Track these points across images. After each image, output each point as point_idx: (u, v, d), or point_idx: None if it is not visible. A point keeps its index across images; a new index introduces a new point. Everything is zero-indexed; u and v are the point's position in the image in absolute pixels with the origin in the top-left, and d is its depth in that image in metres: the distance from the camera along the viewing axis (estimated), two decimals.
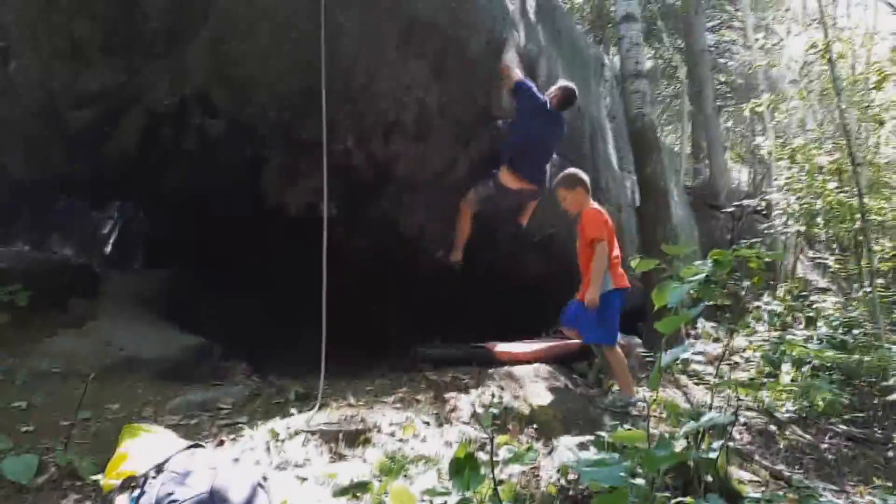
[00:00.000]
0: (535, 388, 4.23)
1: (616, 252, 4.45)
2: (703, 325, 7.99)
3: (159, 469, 2.30)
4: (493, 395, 3.93)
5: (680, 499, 2.31)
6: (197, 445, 2.48)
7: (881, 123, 9.76)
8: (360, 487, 2.37)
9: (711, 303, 3.42)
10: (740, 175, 18.81)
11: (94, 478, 2.51)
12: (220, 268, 5.34)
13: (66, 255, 5.59)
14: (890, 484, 4.01)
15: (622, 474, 1.93)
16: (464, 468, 1.96)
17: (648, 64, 16.74)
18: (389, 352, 4.84)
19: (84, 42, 4.04)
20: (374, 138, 4.98)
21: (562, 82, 5.27)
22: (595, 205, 4.54)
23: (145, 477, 2.29)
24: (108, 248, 5.74)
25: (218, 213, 5.13)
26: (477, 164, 5.40)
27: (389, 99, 4.83)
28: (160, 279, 5.44)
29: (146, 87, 4.29)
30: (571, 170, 4.65)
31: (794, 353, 5.21)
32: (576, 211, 4.52)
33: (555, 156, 5.51)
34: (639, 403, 4.20)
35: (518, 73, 5.24)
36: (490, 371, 4.47)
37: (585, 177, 4.57)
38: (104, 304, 4.80)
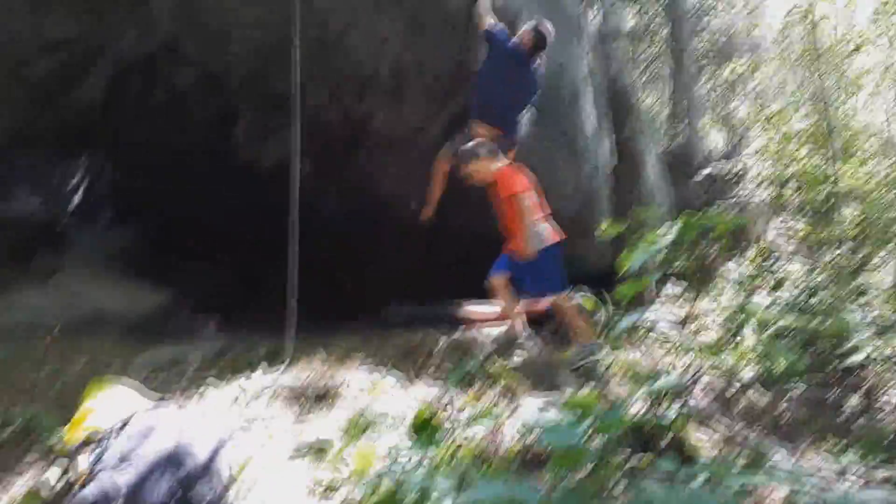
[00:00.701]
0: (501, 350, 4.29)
1: (544, 206, 4.50)
2: (672, 288, 8.10)
3: (124, 425, 2.31)
4: (460, 357, 3.98)
5: (635, 458, 2.38)
6: (162, 401, 2.49)
7: (858, 88, 9.83)
8: (323, 445, 2.41)
9: (677, 267, 3.48)
10: (718, 139, 18.88)
11: (59, 433, 2.52)
12: (191, 224, 5.27)
13: (30, 209, 5.46)
14: (842, 444, 4.16)
15: (579, 436, 1.97)
16: (424, 428, 2.00)
17: (629, 23, 16.57)
18: (361, 311, 4.85)
19: None
20: (349, 94, 4.91)
21: (533, 23, 5.07)
22: (504, 163, 4.57)
23: (109, 432, 2.30)
24: (75, 203, 5.62)
25: (188, 168, 5.05)
26: (454, 122, 5.35)
27: (364, 53, 4.75)
28: (128, 235, 5.36)
29: (113, 35, 4.17)
30: (462, 147, 4.64)
31: (754, 320, 5.33)
32: (490, 180, 4.54)
33: (532, 108, 5.42)
34: (598, 350, 4.21)
35: (490, 20, 5.07)
36: (460, 331, 4.51)
37: (481, 145, 4.57)
38: (70, 259, 4.73)
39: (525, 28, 5.07)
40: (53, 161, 5.74)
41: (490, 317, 4.84)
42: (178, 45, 4.23)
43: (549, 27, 5.08)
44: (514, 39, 5.01)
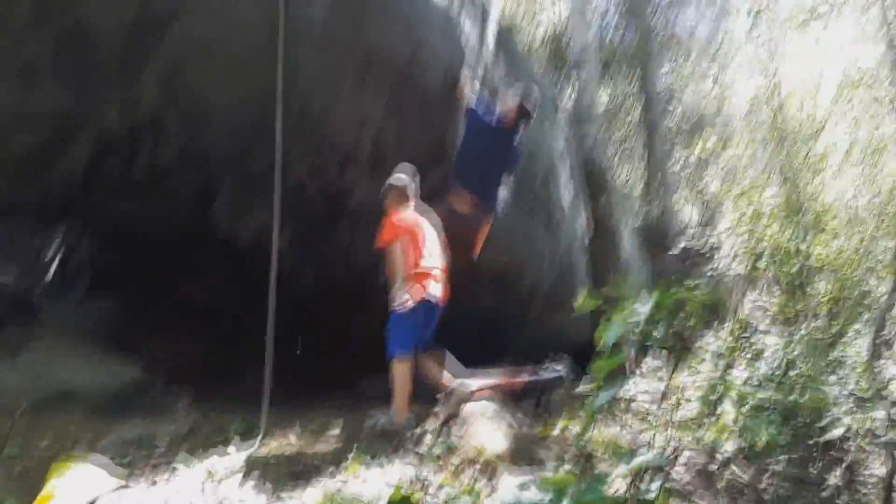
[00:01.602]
0: (480, 425, 4.23)
1: (425, 262, 4.18)
2: (649, 364, 8.10)
3: None
4: (438, 434, 3.91)
5: None
6: (126, 486, 2.41)
7: (825, 164, 10.21)
8: None
9: (651, 343, 3.50)
10: (691, 216, 19.33)
11: None
12: (168, 298, 5.23)
13: (3, 281, 5.39)
14: None
15: None
16: None
17: (602, 105, 17.19)
18: (335, 385, 4.79)
19: (34, 65, 3.97)
20: (329, 170, 4.99)
21: (518, 98, 5.13)
22: (405, 213, 4.33)
23: None
24: (50, 275, 5.56)
25: (166, 242, 5.04)
26: (431, 196, 5.43)
27: (345, 130, 4.86)
28: (103, 308, 5.29)
29: (96, 112, 4.23)
30: (388, 180, 4.50)
31: (733, 394, 5.33)
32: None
33: (509, 179, 5.51)
34: (405, 427, 3.88)
35: (470, 97, 5.26)
36: (436, 409, 4.45)
37: (400, 181, 4.39)
38: (41, 334, 4.65)
39: (509, 101, 5.20)
40: (31, 232, 5.72)
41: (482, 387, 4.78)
42: (160, 122, 4.29)
43: (535, 98, 5.22)
44: (497, 111, 5.16)
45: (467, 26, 6.03)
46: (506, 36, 7.44)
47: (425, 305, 4.12)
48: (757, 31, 8.24)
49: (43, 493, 2.42)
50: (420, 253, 4.18)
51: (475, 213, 5.21)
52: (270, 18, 4.09)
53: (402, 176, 4.44)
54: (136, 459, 3.19)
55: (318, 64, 4.45)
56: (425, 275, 4.17)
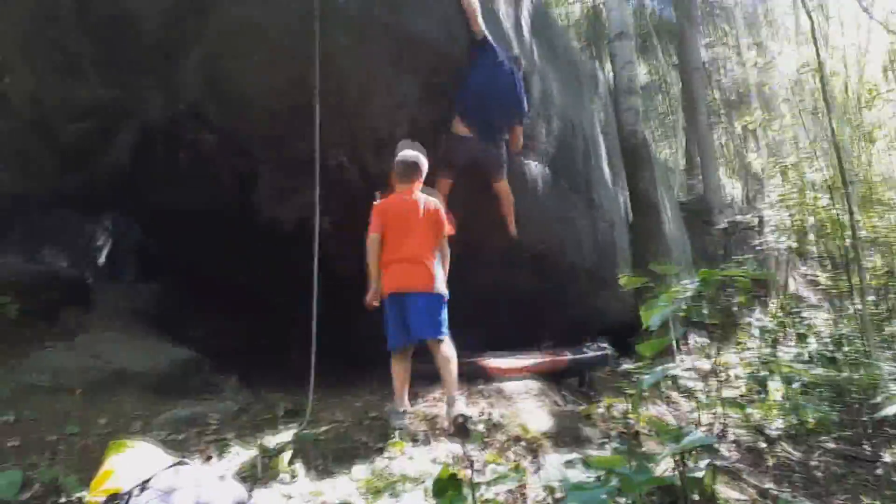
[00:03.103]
0: (524, 404, 4.24)
1: (402, 250, 3.97)
2: (696, 340, 8.00)
3: (144, 486, 2.30)
4: (482, 412, 3.93)
5: None
6: (182, 462, 2.49)
7: (872, 141, 9.85)
8: None
9: (699, 319, 3.45)
10: (734, 190, 18.90)
11: (79, 494, 2.51)
12: (213, 282, 5.34)
13: (58, 267, 5.59)
14: (878, 503, 4.02)
15: (604, 497, 1.94)
16: (446, 489, 1.97)
17: (643, 79, 16.86)
18: (380, 367, 4.84)
19: (78, 56, 4.07)
20: (367, 153, 5.00)
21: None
22: (400, 193, 4.13)
23: (129, 494, 2.29)
24: (101, 260, 5.73)
25: (210, 227, 5.14)
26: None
27: (382, 116, 4.85)
28: (152, 292, 5.44)
29: (139, 101, 4.32)
30: (402, 150, 4.27)
31: (782, 371, 5.23)
32: None
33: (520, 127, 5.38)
34: (399, 418, 3.71)
35: (483, 26, 5.07)
36: (480, 387, 4.47)
37: (405, 158, 4.17)
38: (95, 317, 4.80)
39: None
40: (81, 221, 5.90)
41: (510, 372, 4.79)
42: (201, 111, 4.36)
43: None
44: (502, 55, 5.11)
45: (503, 4, 5.96)
46: (543, 12, 7.33)
47: (391, 298, 3.98)
48: None
49: (103, 469, 2.51)
50: (392, 241, 4.02)
51: (472, 140, 5.02)
52: (308, 3, 4.10)
53: (412, 153, 4.22)
54: (187, 439, 3.29)
55: (356, 48, 4.44)
56: (395, 261, 4.00)
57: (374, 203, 4.13)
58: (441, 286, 4.00)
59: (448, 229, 4.13)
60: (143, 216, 5.38)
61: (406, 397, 3.88)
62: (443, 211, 4.15)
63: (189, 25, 4.02)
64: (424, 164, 4.23)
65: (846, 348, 6.75)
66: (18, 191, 4.80)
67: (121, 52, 4.02)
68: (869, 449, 5.17)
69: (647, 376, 2.58)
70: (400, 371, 3.92)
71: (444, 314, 4.00)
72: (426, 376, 4.06)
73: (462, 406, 3.78)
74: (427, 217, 4.06)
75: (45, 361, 3.96)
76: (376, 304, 3.98)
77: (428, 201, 4.12)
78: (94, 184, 4.73)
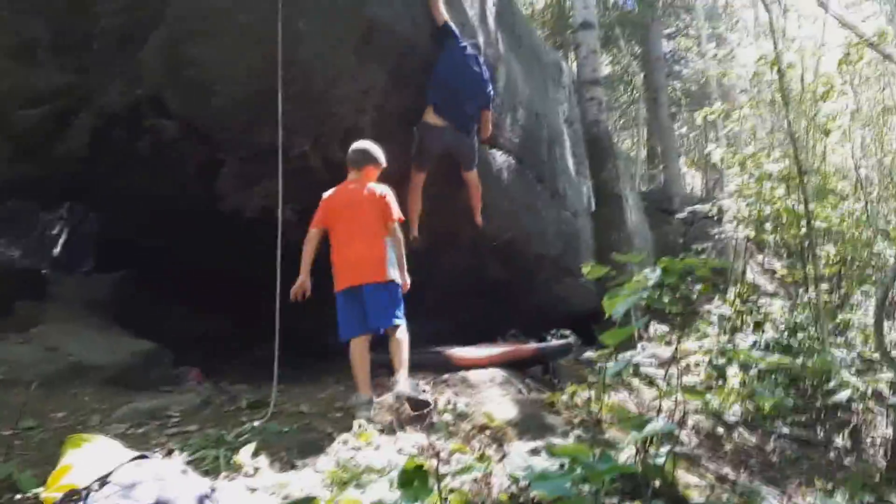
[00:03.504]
0: (489, 393, 4.27)
1: (351, 243, 3.97)
2: (656, 328, 8.15)
3: (103, 481, 2.25)
4: (447, 402, 3.95)
5: None
6: (143, 456, 2.44)
7: (827, 133, 10.08)
8: (308, 501, 2.36)
9: (660, 309, 3.51)
10: (694, 181, 19.25)
11: (35, 491, 2.45)
12: (174, 272, 5.24)
13: (12, 257, 5.42)
14: (830, 485, 4.16)
15: (568, 485, 1.96)
16: (412, 480, 1.97)
17: (606, 70, 17.01)
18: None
19: (34, 41, 3.94)
20: (332, 142, 4.95)
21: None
22: (345, 183, 4.16)
23: (88, 490, 2.24)
24: (58, 251, 5.58)
25: (171, 216, 5.04)
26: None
27: (348, 104, 4.80)
28: (111, 283, 5.32)
29: (97, 87, 4.20)
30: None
31: (740, 358, 5.37)
32: None
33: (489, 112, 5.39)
34: (365, 409, 3.67)
35: (444, 13, 5.08)
36: (446, 376, 4.49)
37: (356, 146, 4.18)
38: (52, 309, 4.68)
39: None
40: (35, 210, 5.73)
41: (475, 362, 4.82)
42: (162, 98, 4.26)
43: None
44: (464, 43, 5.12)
45: None
46: (508, 1, 7.33)
47: (346, 293, 3.97)
48: None
49: (60, 465, 2.45)
50: (341, 233, 4.02)
51: (448, 129, 5.03)
52: None
53: (365, 142, 4.22)
54: (150, 431, 3.24)
55: (320, 35, 4.38)
56: (342, 258, 4.02)
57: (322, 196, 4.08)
58: (393, 273, 3.99)
59: (397, 214, 4.10)
60: (102, 205, 5.25)
61: (369, 387, 3.87)
62: (390, 196, 4.10)
63: (149, 8, 3.93)
64: (377, 154, 4.20)
65: (800, 336, 6.95)
66: None
67: (78, 37, 3.91)
68: (822, 433, 5.35)
69: (609, 366, 2.62)
70: (359, 361, 3.89)
71: (398, 300, 4.00)
72: (386, 365, 4.06)
73: (407, 385, 3.76)
74: (373, 204, 4.03)
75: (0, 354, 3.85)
76: (298, 297, 3.92)
77: (373, 188, 4.08)
78: (50, 172, 4.59)
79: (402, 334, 3.94)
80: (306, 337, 4.88)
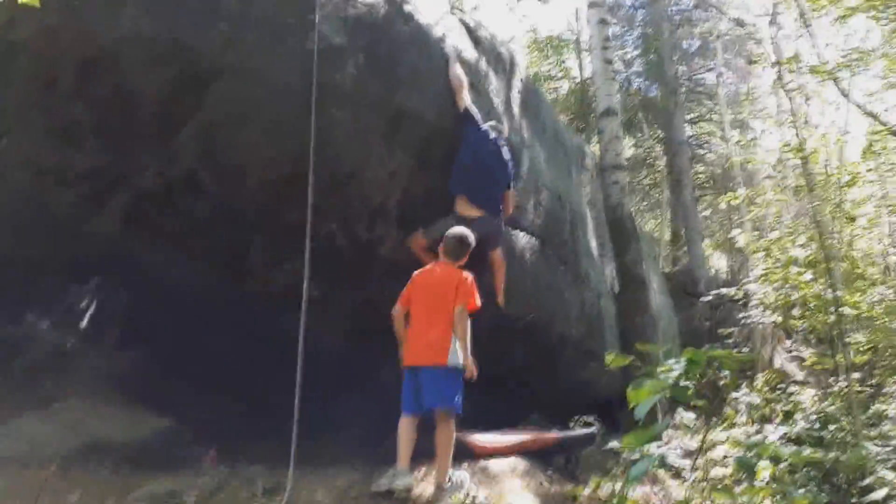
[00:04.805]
0: (510, 484, 4.17)
1: (421, 323, 4.19)
2: (682, 415, 7.92)
3: None
4: (467, 494, 3.85)
5: None
6: None
7: (853, 220, 10.04)
8: None
9: (685, 400, 3.43)
10: (719, 263, 19.13)
11: None
12: (196, 350, 5.27)
13: (38, 330, 5.49)
14: None
15: None
16: None
17: (629, 153, 17.27)
18: (363, 441, 4.75)
19: (77, 124, 4.12)
20: (359, 223, 5.05)
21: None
22: (435, 265, 4.43)
23: None
24: (84, 325, 5.65)
25: (198, 293, 5.11)
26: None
27: (375, 186, 4.92)
28: (135, 358, 5.34)
29: (134, 168, 4.36)
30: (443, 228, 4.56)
31: (769, 451, 5.18)
32: None
33: (512, 192, 5.47)
34: (404, 475, 3.87)
35: (467, 99, 5.21)
36: (466, 464, 4.39)
37: (459, 234, 4.42)
38: (74, 384, 4.71)
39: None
40: (65, 284, 5.83)
41: (497, 450, 4.72)
42: (197, 178, 4.40)
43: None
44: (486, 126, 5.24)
45: (494, 81, 6.15)
46: (532, 88, 7.56)
47: (409, 370, 4.16)
48: (783, 82, 8.25)
49: None
50: (416, 312, 4.24)
51: (484, 218, 5.08)
52: (305, 79, 4.21)
53: (466, 231, 4.46)
54: None
55: (350, 122, 4.55)
56: (414, 335, 4.21)
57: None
58: (455, 359, 4.06)
59: (470, 301, 4.19)
60: (130, 281, 5.35)
61: (408, 462, 3.92)
62: (471, 281, 4.26)
63: (188, 98, 4.11)
64: (472, 245, 4.44)
65: (832, 427, 6.71)
66: (4, 257, 4.77)
67: (119, 121, 4.08)
68: None
69: (634, 465, 2.55)
70: (404, 439, 3.97)
71: (458, 387, 4.08)
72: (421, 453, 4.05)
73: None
74: (453, 288, 4.19)
75: (20, 430, 3.86)
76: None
77: (458, 273, 4.27)
78: (83, 249, 4.71)
79: (451, 426, 4.01)
80: (326, 419, 4.83)
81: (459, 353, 4.08)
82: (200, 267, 4.95)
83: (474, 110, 5.25)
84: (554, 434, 5.17)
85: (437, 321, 4.12)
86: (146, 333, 5.44)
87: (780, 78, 8.30)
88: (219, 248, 4.88)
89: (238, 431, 4.94)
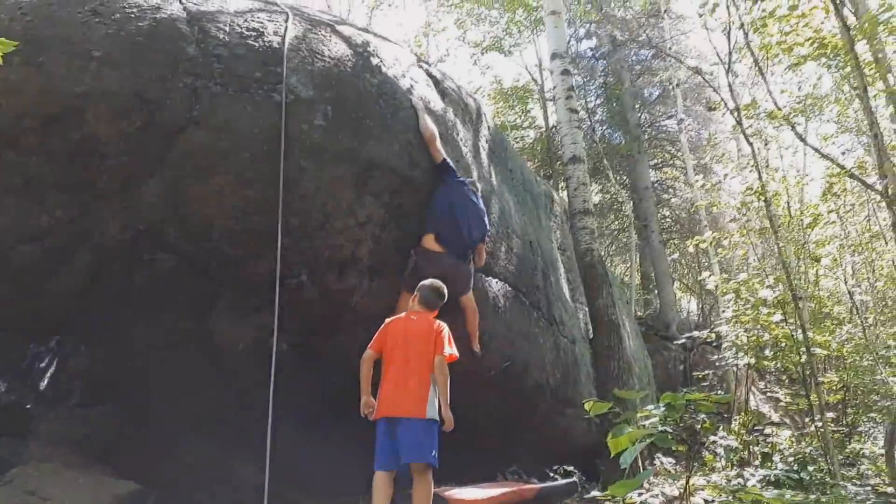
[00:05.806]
0: None
1: (396, 373, 4.08)
2: (661, 461, 7.85)
3: None
4: None
5: None
6: None
7: (817, 260, 10.27)
8: None
9: (664, 445, 3.39)
10: (689, 305, 19.33)
11: None
12: (162, 407, 5.09)
13: None
14: None
15: None
16: None
17: (596, 199, 17.54)
18: (336, 498, 4.60)
19: (38, 179, 4.04)
20: (329, 273, 4.98)
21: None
22: (409, 313, 4.41)
23: None
24: (44, 384, 5.43)
25: (162, 349, 4.96)
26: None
27: (345, 236, 4.88)
28: (97, 418, 5.13)
29: (98, 223, 4.26)
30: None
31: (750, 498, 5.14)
32: None
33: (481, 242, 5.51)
34: None
35: (442, 151, 5.31)
36: None
37: (434, 285, 4.45)
38: (34, 447, 4.49)
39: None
40: (23, 343, 5.63)
41: (478, 501, 4.59)
42: (162, 232, 4.32)
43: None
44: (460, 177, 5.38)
45: (462, 130, 6.22)
46: (499, 136, 7.67)
47: (384, 422, 4.03)
48: (742, 127, 8.50)
49: None
50: (390, 362, 4.15)
51: (449, 256, 5.15)
52: (273, 130, 4.21)
53: (440, 284, 4.47)
54: None
55: (318, 172, 4.54)
56: (389, 384, 4.10)
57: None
58: (433, 410, 3.98)
59: (448, 350, 4.13)
60: (93, 338, 5.18)
61: None
62: (446, 332, 4.22)
63: (153, 150, 4.06)
64: (446, 297, 4.45)
65: (811, 468, 6.70)
66: None
67: (82, 176, 4.01)
68: None
69: None
70: (383, 495, 3.86)
71: (435, 440, 3.98)
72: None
73: None
74: (429, 339, 4.13)
75: None
76: (368, 415, 4.03)
77: (432, 323, 4.23)
78: (45, 307, 4.56)
79: (429, 480, 3.93)
80: (297, 474, 4.67)
81: (436, 404, 3.99)
82: (167, 322, 4.81)
83: (449, 161, 5.33)
84: (534, 486, 5.05)
85: (416, 370, 4.04)
86: (109, 392, 5.25)
87: (739, 123, 8.54)
88: (185, 302, 4.77)
89: (206, 491, 4.75)
